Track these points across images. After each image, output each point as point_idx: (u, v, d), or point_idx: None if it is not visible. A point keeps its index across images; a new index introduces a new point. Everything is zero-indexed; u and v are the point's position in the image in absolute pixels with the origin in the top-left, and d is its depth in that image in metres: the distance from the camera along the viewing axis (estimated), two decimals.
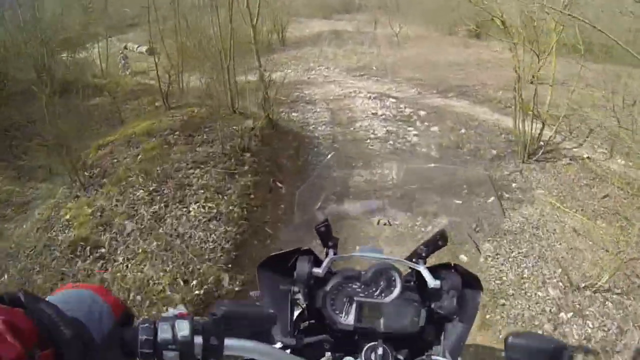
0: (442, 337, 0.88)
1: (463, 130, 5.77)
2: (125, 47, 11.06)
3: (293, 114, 6.53)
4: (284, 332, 0.85)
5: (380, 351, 0.76)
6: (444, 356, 0.82)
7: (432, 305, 0.87)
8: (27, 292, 0.49)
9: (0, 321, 0.43)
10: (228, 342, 0.58)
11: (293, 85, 7.80)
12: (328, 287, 0.89)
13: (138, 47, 11.01)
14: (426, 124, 6.02)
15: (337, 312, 0.88)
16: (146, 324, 0.55)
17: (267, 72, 5.68)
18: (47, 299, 0.51)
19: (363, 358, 0.76)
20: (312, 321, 0.93)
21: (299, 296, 0.89)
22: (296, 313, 0.94)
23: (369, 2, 23.46)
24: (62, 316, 0.48)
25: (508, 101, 6.08)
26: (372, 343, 0.78)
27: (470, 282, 0.88)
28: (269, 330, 0.66)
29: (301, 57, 11.20)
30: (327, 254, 0.93)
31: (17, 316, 0.46)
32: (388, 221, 1.24)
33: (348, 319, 0.87)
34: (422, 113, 6.36)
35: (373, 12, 18.46)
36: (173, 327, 0.54)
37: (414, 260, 0.93)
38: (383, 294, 0.88)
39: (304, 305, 0.92)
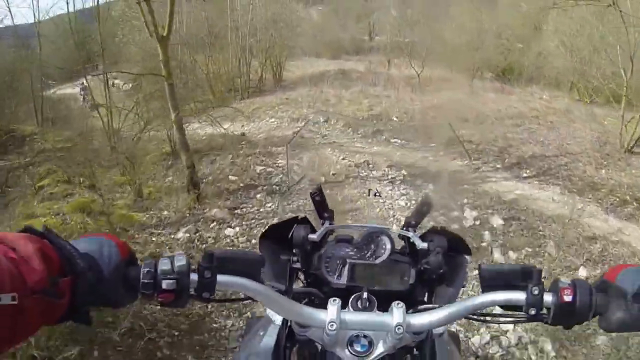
0: (432, 295, 0.92)
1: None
2: (113, 85, 10.54)
3: (226, 230, 3.75)
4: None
5: (365, 296, 0.76)
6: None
7: (420, 265, 0.90)
8: (49, 229, 0.57)
9: (33, 248, 0.52)
10: (220, 278, 0.63)
11: (263, 148, 5.24)
12: (322, 251, 0.94)
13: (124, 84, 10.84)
14: (513, 255, 3.17)
15: (331, 273, 0.92)
16: (148, 261, 0.61)
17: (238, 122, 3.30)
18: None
19: (350, 305, 0.76)
20: (313, 289, 0.92)
21: (297, 264, 0.94)
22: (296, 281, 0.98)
23: (381, 43, 21.88)
24: (76, 250, 0.57)
25: (618, 189, 3.45)
26: (358, 293, 0.78)
27: (458, 244, 0.92)
28: (259, 273, 0.69)
29: (294, 100, 8.86)
30: (322, 224, 0.95)
31: (44, 245, 0.54)
32: None
33: (341, 279, 0.91)
34: (496, 223, 3.54)
35: (386, 52, 16.74)
36: (172, 261, 0.61)
37: (404, 228, 0.95)
38: (374, 256, 0.93)
39: (302, 271, 0.96)
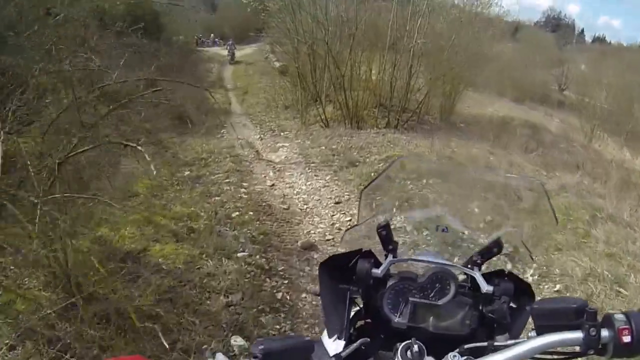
0: (493, 339, 0.83)
1: None
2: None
3: None
4: (338, 330, 0.86)
5: (415, 348, 0.72)
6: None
7: (484, 309, 0.88)
8: None
9: None
10: None
11: None
12: (386, 287, 0.91)
13: None
14: None
15: (393, 311, 0.90)
16: None
17: None
18: None
19: (399, 356, 0.73)
20: (368, 320, 0.94)
21: (357, 295, 0.92)
22: (353, 311, 0.95)
23: (570, 100, 17.46)
24: None
25: None
26: (407, 342, 0.74)
27: (523, 290, 0.89)
28: (309, 357, 0.68)
29: (473, 158, 5.74)
30: (386, 257, 0.94)
31: None
32: None
33: (402, 318, 0.89)
34: None
35: (578, 114, 12.61)
36: None
37: (469, 266, 0.94)
38: (437, 297, 0.90)
39: (362, 304, 0.95)
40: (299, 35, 9.65)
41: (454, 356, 0.67)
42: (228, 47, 21.80)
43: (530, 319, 0.76)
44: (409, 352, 0.73)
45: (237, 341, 2.45)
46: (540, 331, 0.68)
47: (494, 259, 0.95)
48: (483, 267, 0.92)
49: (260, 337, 2.31)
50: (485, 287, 0.87)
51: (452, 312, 0.88)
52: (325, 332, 0.89)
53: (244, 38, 23.21)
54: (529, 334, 0.70)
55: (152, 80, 4.13)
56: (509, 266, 1.59)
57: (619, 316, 0.63)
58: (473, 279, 0.90)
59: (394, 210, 1.14)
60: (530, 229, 1.08)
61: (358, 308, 0.97)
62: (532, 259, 1.02)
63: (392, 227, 0.95)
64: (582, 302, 0.66)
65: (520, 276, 0.88)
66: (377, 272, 0.90)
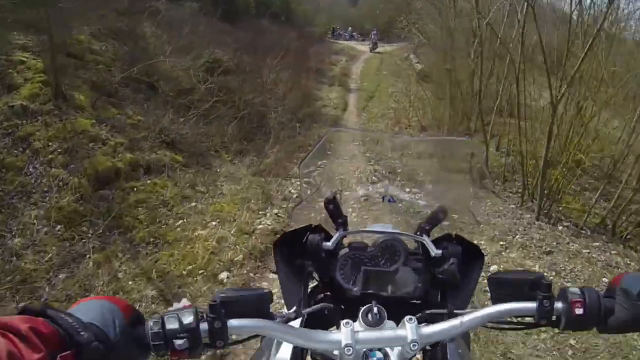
0: (445, 300, 0.91)
1: None
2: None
3: None
4: (297, 303, 0.88)
5: (375, 310, 0.74)
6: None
7: (435, 272, 0.91)
8: (47, 305, 0.61)
9: (26, 327, 0.50)
10: (231, 323, 0.64)
11: None
12: (337, 259, 0.94)
13: None
14: None
15: (346, 280, 0.93)
16: (154, 320, 0.61)
17: None
18: (67, 311, 0.58)
19: (360, 319, 0.74)
20: (327, 293, 0.97)
21: (313, 269, 0.94)
22: (311, 286, 0.98)
23: None
24: (80, 322, 0.55)
25: None
26: (367, 305, 0.75)
27: (471, 251, 0.92)
28: (268, 308, 0.72)
29: None
30: (337, 230, 0.95)
31: (39, 324, 0.52)
32: None
33: (355, 286, 0.92)
34: None
35: None
36: (179, 318, 0.60)
37: (417, 233, 0.96)
38: (388, 263, 0.93)
39: (317, 278, 0.97)
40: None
41: (410, 319, 0.67)
42: (372, 36, 21.70)
43: (486, 287, 0.79)
44: (369, 315, 0.73)
45: None
46: (496, 301, 0.71)
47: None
48: (432, 234, 0.94)
49: None
50: (435, 251, 0.89)
51: (404, 277, 0.91)
52: (283, 308, 0.89)
53: (384, 37, 22.23)
54: (486, 304, 0.72)
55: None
56: None
57: (574, 289, 0.66)
58: (423, 246, 0.93)
59: (338, 184, 1.21)
60: (470, 191, 1.14)
61: (316, 283, 0.98)
62: (477, 221, 1.05)
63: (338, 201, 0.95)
64: (538, 275, 0.70)
65: (468, 238, 0.91)
66: (328, 244, 0.91)
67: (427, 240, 0.91)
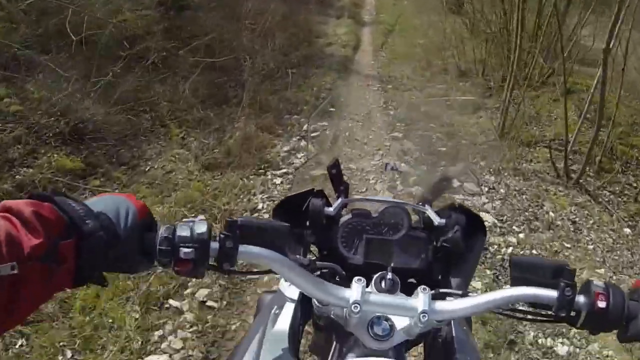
0: (449, 275, 0.89)
1: None
2: None
3: None
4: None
5: (389, 276, 0.71)
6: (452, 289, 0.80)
7: (438, 242, 0.88)
8: (56, 191, 0.56)
9: (29, 211, 0.47)
10: (242, 248, 0.60)
11: None
12: (339, 225, 0.90)
13: None
14: None
15: (348, 249, 0.89)
16: (166, 226, 0.57)
17: None
18: (80, 200, 0.54)
19: (373, 285, 0.71)
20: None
21: (312, 240, 0.91)
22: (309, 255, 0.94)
23: None
24: (88, 210, 0.52)
25: None
26: (382, 272, 0.73)
27: (474, 221, 0.90)
28: (284, 244, 0.68)
29: None
30: (338, 197, 0.92)
31: (44, 208, 0.49)
32: None
33: (357, 255, 0.89)
34: None
35: None
36: (191, 228, 0.57)
37: (420, 203, 0.94)
38: (391, 232, 0.90)
39: (317, 244, 0.93)
40: None
41: (424, 289, 0.64)
42: None
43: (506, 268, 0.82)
44: (383, 282, 0.71)
45: None
46: (515, 283, 0.67)
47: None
48: (435, 204, 0.92)
49: None
50: (437, 220, 0.87)
51: (408, 246, 0.88)
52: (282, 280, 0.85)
53: None
54: (504, 287, 0.76)
55: None
56: None
57: (598, 282, 0.61)
58: (426, 215, 0.90)
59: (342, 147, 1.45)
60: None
61: (314, 257, 0.93)
62: (479, 186, 1.15)
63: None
64: (562, 262, 0.67)
65: (470, 208, 0.89)
66: (330, 210, 0.87)
67: (429, 210, 0.89)
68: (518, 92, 4.90)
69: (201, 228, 0.57)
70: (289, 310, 0.80)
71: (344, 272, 0.77)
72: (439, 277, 0.88)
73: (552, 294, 0.61)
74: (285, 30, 6.23)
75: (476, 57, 6.18)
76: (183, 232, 0.56)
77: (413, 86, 5.50)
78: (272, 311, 0.81)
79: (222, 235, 0.58)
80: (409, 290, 0.68)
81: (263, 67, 4.86)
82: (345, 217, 0.90)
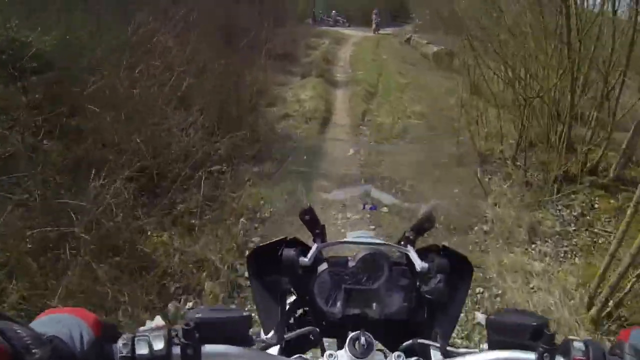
0: (432, 321, 0.85)
1: None
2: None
3: None
4: (273, 324, 0.83)
5: (362, 340, 0.68)
6: (434, 340, 0.79)
7: (421, 290, 0.85)
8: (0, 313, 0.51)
9: None
10: (204, 349, 0.58)
11: None
12: (315, 276, 0.86)
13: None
14: None
15: (325, 300, 0.86)
16: (124, 341, 0.56)
17: None
18: (26, 323, 0.51)
19: (346, 348, 0.69)
20: (306, 308, 0.90)
21: (289, 286, 0.87)
22: (289, 301, 0.91)
23: None
24: (36, 337, 0.47)
25: None
26: (355, 333, 0.71)
27: (460, 263, 0.86)
28: (246, 332, 0.66)
29: None
30: (314, 241, 0.88)
31: None
32: None
33: (336, 307, 0.85)
34: None
35: None
36: (149, 343, 0.56)
37: (402, 243, 0.90)
38: (371, 280, 0.86)
39: (295, 290, 0.90)
40: None
41: (399, 355, 0.66)
42: (373, 17, 20.57)
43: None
44: (356, 345, 0.68)
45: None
46: (493, 345, 0.66)
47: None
48: (418, 244, 0.90)
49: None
50: (420, 265, 0.83)
51: (388, 295, 0.85)
52: (261, 330, 0.83)
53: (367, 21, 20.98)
54: (481, 346, 0.67)
55: None
56: None
57: (578, 344, 0.60)
58: (408, 258, 0.87)
59: (321, 193, 1.21)
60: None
61: (294, 297, 0.90)
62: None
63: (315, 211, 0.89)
64: (542, 322, 0.64)
65: (455, 250, 0.85)
66: (305, 260, 0.83)
67: (411, 252, 0.86)
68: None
69: (159, 343, 0.55)
70: None
71: (318, 331, 0.79)
72: (422, 324, 0.85)
73: (531, 357, 0.60)
74: (220, 92, 4.03)
75: (491, 129, 4.14)
76: (142, 349, 0.55)
77: (419, 197, 3.19)
78: None
79: (182, 344, 0.57)
80: (390, 343, 0.70)
81: (167, 168, 2.54)
82: (322, 267, 0.87)
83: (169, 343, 0.56)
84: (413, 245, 0.86)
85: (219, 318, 0.62)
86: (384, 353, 0.69)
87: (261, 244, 0.88)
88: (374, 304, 0.83)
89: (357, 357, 0.66)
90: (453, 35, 7.67)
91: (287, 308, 0.88)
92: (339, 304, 0.83)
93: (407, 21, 23.37)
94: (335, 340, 0.82)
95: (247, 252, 0.92)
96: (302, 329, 0.79)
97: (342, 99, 6.10)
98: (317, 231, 0.87)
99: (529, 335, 0.62)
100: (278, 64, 7.37)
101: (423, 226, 0.88)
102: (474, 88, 4.78)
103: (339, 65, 9.24)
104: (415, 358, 0.68)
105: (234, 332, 0.63)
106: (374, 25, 19.80)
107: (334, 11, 25.11)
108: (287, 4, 18.47)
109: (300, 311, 0.89)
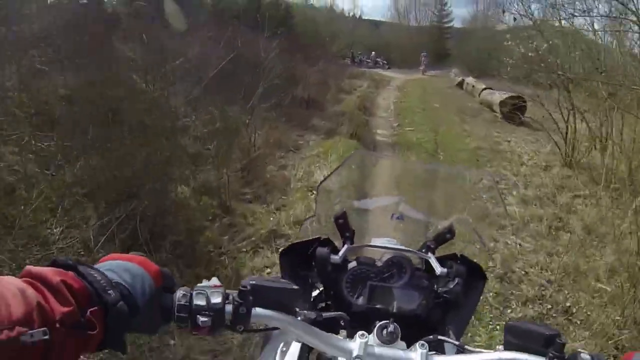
0: (446, 320, 0.96)
1: None
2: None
3: None
4: (304, 308, 0.84)
5: (391, 328, 0.74)
6: (448, 337, 0.84)
7: (439, 290, 0.95)
8: (77, 259, 0.55)
9: (57, 280, 0.48)
10: (254, 311, 0.63)
11: None
12: (345, 272, 0.97)
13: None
14: None
15: (352, 294, 0.96)
16: (183, 292, 0.60)
17: None
18: (96, 267, 0.55)
19: (375, 334, 0.74)
20: (329, 302, 1.00)
21: (317, 281, 0.98)
22: (313, 294, 1.01)
23: None
24: (108, 280, 0.53)
25: None
26: (384, 321, 0.76)
27: (475, 271, 0.95)
28: (293, 304, 0.71)
29: None
30: (344, 244, 0.99)
31: (69, 277, 0.50)
32: None
33: (362, 300, 0.95)
34: None
35: None
36: (207, 296, 0.60)
37: (423, 250, 1.00)
38: (394, 280, 0.97)
39: (322, 289, 1.00)
40: None
41: (422, 344, 0.69)
42: (422, 59, 20.76)
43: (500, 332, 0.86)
44: (384, 332, 0.73)
45: None
46: (508, 346, 0.71)
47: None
48: (437, 252, 0.97)
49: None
50: (439, 270, 0.92)
51: (409, 294, 0.93)
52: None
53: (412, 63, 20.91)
54: (497, 347, 0.74)
55: None
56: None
57: (585, 356, 0.64)
58: (428, 263, 0.95)
59: (353, 200, 1.19)
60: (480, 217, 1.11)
61: (318, 291, 1.00)
62: (483, 244, 1.07)
63: (348, 216, 0.98)
64: (554, 332, 0.68)
65: (472, 259, 0.92)
66: (336, 258, 0.94)
67: (432, 259, 0.93)
68: None
69: (216, 298, 0.59)
70: (295, 348, 0.87)
71: (349, 319, 0.83)
72: (437, 322, 0.93)
73: None
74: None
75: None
76: (199, 300, 0.59)
77: None
78: (279, 348, 0.85)
79: (235, 302, 0.61)
80: (408, 337, 0.72)
81: None
82: (351, 265, 0.97)
83: (225, 300, 0.60)
84: (433, 252, 0.97)
85: (270, 287, 0.66)
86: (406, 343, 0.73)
87: (295, 242, 0.98)
88: (395, 300, 0.93)
89: (384, 343, 0.71)
90: (516, 79, 5.70)
91: (313, 299, 0.98)
92: (364, 297, 0.94)
93: (451, 64, 21.71)
94: (357, 330, 0.81)
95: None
96: (335, 312, 0.83)
97: (386, 179, 3.86)
98: (347, 234, 0.97)
99: (542, 342, 0.65)
100: (296, 114, 5.30)
101: (444, 236, 0.98)
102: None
103: (380, 117, 7.08)
104: (434, 352, 0.70)
105: (282, 301, 0.66)
106: (422, 67, 19.98)
107: (373, 52, 23.83)
108: (325, 43, 17.14)
109: (322, 304, 0.98)
